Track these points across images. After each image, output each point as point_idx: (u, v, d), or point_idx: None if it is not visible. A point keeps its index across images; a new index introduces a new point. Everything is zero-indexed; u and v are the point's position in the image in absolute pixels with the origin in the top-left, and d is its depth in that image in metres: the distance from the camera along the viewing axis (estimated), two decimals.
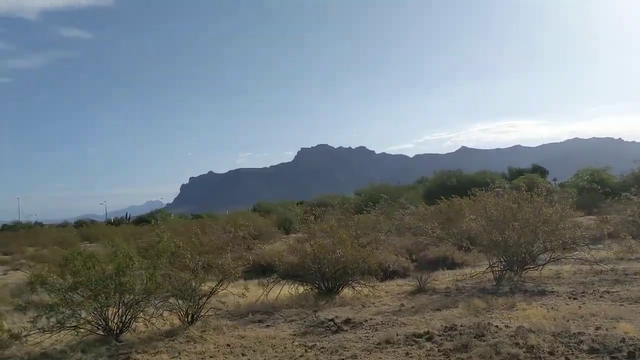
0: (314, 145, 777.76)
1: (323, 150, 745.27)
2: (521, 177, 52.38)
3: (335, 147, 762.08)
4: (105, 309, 8.72)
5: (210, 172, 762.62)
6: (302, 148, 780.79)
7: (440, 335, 7.77)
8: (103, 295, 8.54)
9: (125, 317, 8.94)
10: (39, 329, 8.35)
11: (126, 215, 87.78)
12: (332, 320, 9.10)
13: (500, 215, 13.38)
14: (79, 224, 72.24)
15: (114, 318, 8.92)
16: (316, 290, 12.50)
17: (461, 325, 8.15)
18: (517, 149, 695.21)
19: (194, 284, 9.55)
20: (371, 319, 9.41)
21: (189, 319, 9.56)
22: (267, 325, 9.69)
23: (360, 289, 12.35)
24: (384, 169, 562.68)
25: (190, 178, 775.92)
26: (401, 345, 7.53)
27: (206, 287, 9.99)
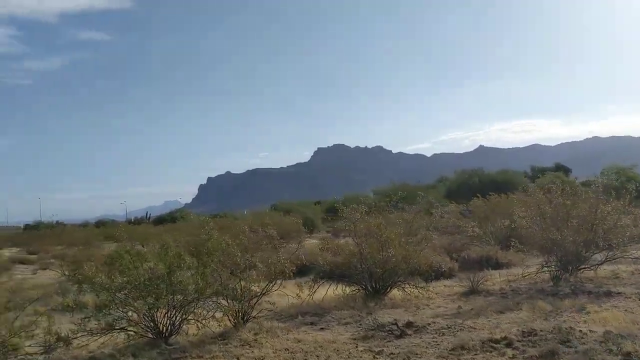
0: (330, 145, 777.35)
1: (339, 149, 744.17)
2: (544, 177, 51.40)
3: (352, 147, 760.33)
4: (155, 310, 8.28)
5: (228, 172, 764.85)
6: (318, 148, 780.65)
7: (520, 341, 7.20)
8: (153, 296, 8.09)
9: (175, 318, 8.50)
10: (87, 331, 7.93)
11: (146, 214, 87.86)
12: (394, 323, 8.55)
13: (554, 213, 12.72)
14: (100, 223, 72.53)
15: (163, 320, 8.48)
16: (363, 291, 11.97)
17: (541, 330, 7.55)
18: (535, 148, 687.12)
19: (244, 284, 9.08)
20: (433, 322, 8.86)
21: (240, 321, 9.08)
22: (322, 328, 9.18)
23: (410, 290, 11.78)
24: (401, 168, 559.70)
25: (208, 178, 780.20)
26: (478, 352, 6.97)
27: (255, 287, 9.52)
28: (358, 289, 11.97)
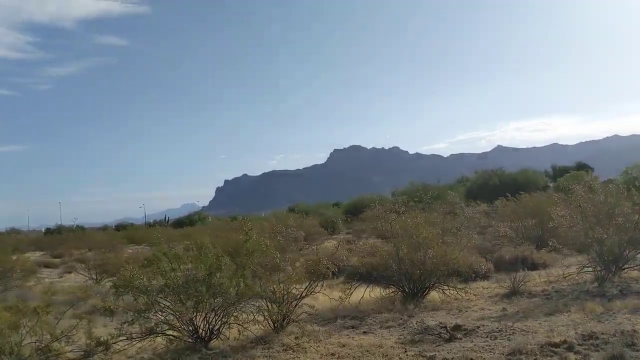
0: (346, 147, 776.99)
1: (355, 151, 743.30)
2: (567, 175, 50.50)
3: (368, 148, 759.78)
4: (195, 313, 8.05)
5: (244, 175, 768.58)
6: (334, 149, 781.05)
7: (580, 345, 6.84)
8: (193, 299, 7.86)
9: (216, 322, 8.26)
10: (127, 336, 7.73)
11: (165, 217, 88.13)
12: (443, 326, 8.22)
13: (597, 212, 12.27)
14: (120, 227, 72.93)
15: (202, 324, 8.25)
16: (400, 293, 11.65)
17: (602, 333, 7.18)
18: (554, 147, 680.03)
19: (284, 286, 8.82)
20: (482, 325, 8.52)
21: (281, 324, 8.82)
22: (364, 332, 8.88)
23: (449, 291, 11.42)
24: (418, 169, 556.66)
25: (225, 181, 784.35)
26: (538, 356, 6.62)
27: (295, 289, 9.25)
28: (395, 291, 11.65)
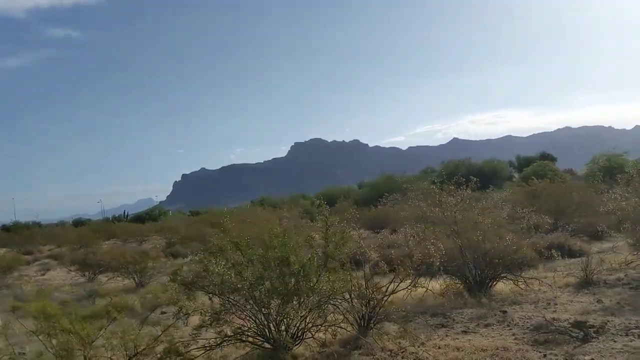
0: (307, 140, 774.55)
1: (317, 144, 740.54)
2: (534, 165, 50.79)
3: (329, 141, 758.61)
4: (278, 315, 6.68)
5: (203, 169, 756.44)
6: (295, 142, 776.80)
7: None
8: (282, 297, 6.49)
9: (300, 324, 6.91)
10: (204, 344, 6.32)
11: (124, 213, 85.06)
12: (578, 324, 7.10)
13: None
14: (78, 222, 69.81)
15: (284, 326, 6.89)
16: (461, 285, 10.53)
17: None
18: (508, 139, 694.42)
19: (371, 280, 7.55)
20: (608, 321, 7.41)
21: (367, 325, 7.54)
22: (464, 332, 7.70)
23: (518, 282, 10.37)
24: (379, 161, 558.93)
25: (182, 175, 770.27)
26: None
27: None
28: (460, 283, 10.51)
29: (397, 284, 7.85)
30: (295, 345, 6.95)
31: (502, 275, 10.55)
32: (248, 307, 6.66)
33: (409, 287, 8.05)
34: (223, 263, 6.29)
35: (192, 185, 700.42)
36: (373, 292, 7.48)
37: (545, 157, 71.50)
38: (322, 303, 6.73)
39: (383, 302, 7.61)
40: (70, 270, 19.36)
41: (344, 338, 7.29)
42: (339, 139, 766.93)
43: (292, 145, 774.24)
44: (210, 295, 6.53)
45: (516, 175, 56.56)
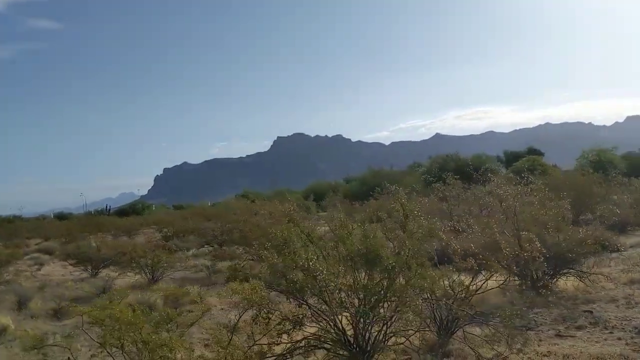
0: (290, 134, 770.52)
1: (299, 139, 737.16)
2: (523, 160, 50.47)
3: (312, 136, 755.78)
4: (362, 318, 5.73)
5: (185, 163, 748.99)
6: (278, 137, 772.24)
7: None
8: (371, 299, 5.54)
9: (384, 328, 5.96)
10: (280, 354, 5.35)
11: (106, 207, 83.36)
12: None
13: None
14: (60, 216, 68.05)
15: (363, 331, 5.94)
16: (521, 282, 9.67)
17: None
18: (490, 135, 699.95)
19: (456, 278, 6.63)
20: None
21: (448, 330, 6.62)
22: (558, 335, 6.83)
23: (585, 278, 9.56)
24: (362, 156, 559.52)
25: (164, 169, 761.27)
26: None
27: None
28: (520, 280, 9.65)
29: (484, 281, 6.95)
30: (378, 351, 6.01)
31: (564, 271, 9.75)
32: (326, 308, 5.69)
33: (502, 284, 7.14)
34: (314, 258, 5.30)
35: (174, 179, 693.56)
36: (461, 291, 6.56)
37: (532, 151, 71.62)
38: (413, 303, 5.77)
39: (469, 301, 6.70)
40: (70, 264, 18.17)
41: (428, 343, 6.37)
42: (322, 134, 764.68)
43: (274, 140, 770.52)
44: (290, 296, 5.54)
45: (504, 170, 56.27)
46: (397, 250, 5.81)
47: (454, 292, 6.48)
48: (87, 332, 5.03)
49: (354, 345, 5.84)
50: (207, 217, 31.74)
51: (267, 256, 5.52)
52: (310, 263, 5.19)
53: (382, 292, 5.55)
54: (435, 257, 6.87)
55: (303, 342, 5.58)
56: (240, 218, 18.04)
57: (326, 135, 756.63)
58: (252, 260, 17.07)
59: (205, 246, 22.71)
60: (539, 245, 7.78)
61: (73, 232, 35.44)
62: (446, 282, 6.52)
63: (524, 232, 9.29)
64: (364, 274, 5.73)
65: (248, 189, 77.55)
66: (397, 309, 5.82)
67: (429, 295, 6.49)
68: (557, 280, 9.70)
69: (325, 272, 5.27)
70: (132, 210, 65.05)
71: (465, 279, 6.83)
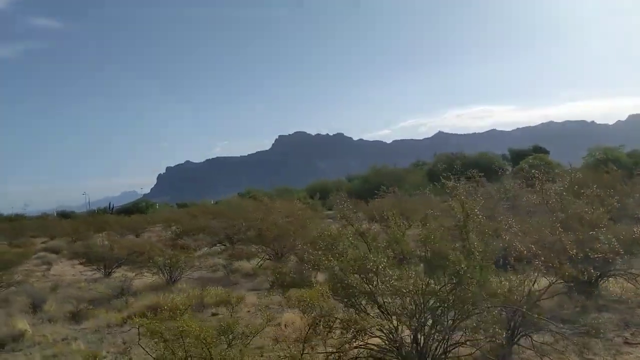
0: (291, 133, 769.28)
1: (301, 137, 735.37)
2: (529, 158, 49.94)
3: (313, 134, 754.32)
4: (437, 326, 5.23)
5: (187, 162, 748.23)
6: (279, 135, 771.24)
7: None
8: (439, 305, 5.05)
9: (448, 337, 5.48)
10: None
11: (109, 205, 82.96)
12: None
13: None
14: (63, 215, 67.67)
15: (427, 341, 5.44)
16: (562, 284, 9.14)
17: None
18: (492, 134, 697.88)
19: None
20: None
21: (513, 336, 6.12)
22: (627, 342, 6.34)
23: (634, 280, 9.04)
24: (363, 155, 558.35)
25: (166, 168, 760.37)
26: None
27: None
28: (564, 282, 9.12)
29: (549, 285, 6.45)
30: None
31: (612, 272, 9.25)
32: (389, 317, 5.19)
33: (551, 285, 6.64)
34: (385, 260, 4.81)
35: (177, 177, 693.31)
36: (525, 296, 6.05)
37: (538, 150, 71.10)
38: (485, 310, 5.26)
39: (535, 306, 6.19)
40: (80, 264, 17.69)
41: (491, 352, 5.86)
42: (323, 132, 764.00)
43: (276, 139, 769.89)
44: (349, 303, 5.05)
45: (510, 168, 55.72)
46: (466, 253, 5.30)
47: (523, 297, 5.98)
48: (142, 346, 4.52)
49: (415, 356, 5.35)
50: (214, 214, 31.25)
51: (324, 260, 5.01)
52: (380, 267, 4.69)
53: (451, 298, 5.04)
54: (500, 260, 6.37)
55: (364, 352, 5.10)
56: (257, 216, 17.54)
57: (327, 134, 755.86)
58: (269, 259, 16.64)
59: (217, 245, 22.25)
60: (598, 245, 7.25)
61: (79, 231, 35.03)
62: (515, 285, 6.01)
63: (572, 233, 8.79)
64: (428, 279, 5.23)
65: (250, 187, 77.05)
66: (465, 316, 5.33)
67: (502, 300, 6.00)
68: (603, 282, 9.21)
69: (395, 276, 4.76)
70: (135, 209, 64.67)
71: (528, 282, 6.32)
